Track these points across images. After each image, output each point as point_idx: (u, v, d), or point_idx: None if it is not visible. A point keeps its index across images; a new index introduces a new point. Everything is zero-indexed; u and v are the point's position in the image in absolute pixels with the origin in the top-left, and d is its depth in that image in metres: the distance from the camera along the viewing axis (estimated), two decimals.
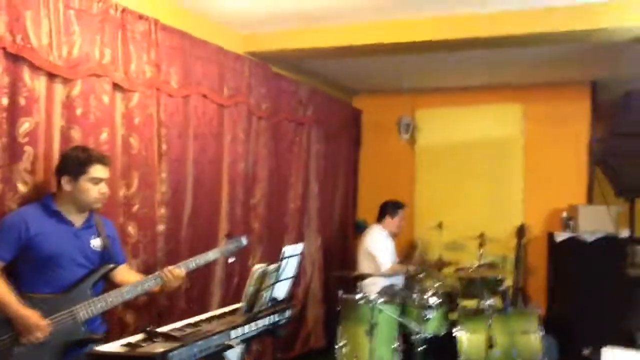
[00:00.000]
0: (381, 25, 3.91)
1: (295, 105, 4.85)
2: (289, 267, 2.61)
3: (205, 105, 3.70)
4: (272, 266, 2.41)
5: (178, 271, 2.55)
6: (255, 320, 2.42)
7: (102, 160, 2.49)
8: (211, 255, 2.74)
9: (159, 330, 2.19)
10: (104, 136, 2.87)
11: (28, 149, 2.53)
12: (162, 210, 3.31)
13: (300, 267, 4.83)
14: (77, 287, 2.43)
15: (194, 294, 3.63)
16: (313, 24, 4.00)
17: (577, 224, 4.88)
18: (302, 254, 2.70)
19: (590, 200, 5.32)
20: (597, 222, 4.80)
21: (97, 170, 2.46)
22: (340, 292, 4.04)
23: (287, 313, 2.71)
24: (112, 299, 2.47)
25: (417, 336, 3.84)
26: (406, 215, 5.05)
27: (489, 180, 5.65)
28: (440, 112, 5.87)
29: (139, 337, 2.18)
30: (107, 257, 2.58)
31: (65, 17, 2.68)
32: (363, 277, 4.24)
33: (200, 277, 3.67)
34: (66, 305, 2.37)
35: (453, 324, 4.15)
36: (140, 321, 3.02)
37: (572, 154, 5.37)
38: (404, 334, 4.03)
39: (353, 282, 4.64)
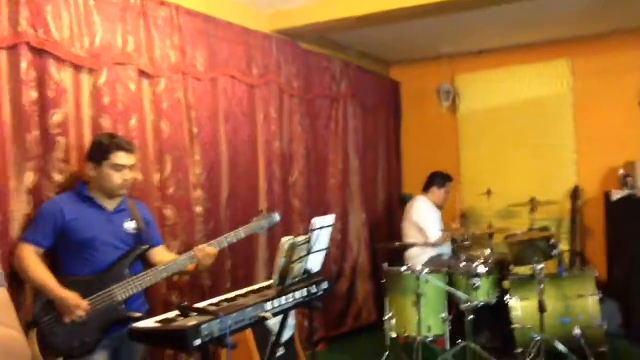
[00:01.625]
0: None
1: (328, 81, 4.79)
2: (321, 239, 2.57)
3: (235, 86, 3.71)
4: (301, 238, 2.39)
5: (210, 249, 2.58)
6: (288, 293, 2.41)
7: (125, 146, 2.52)
8: (242, 231, 2.74)
9: (195, 305, 2.21)
10: (133, 122, 2.93)
11: (60, 139, 2.61)
12: (199, 192, 3.35)
13: (345, 241, 4.84)
14: (113, 268, 2.51)
15: (240, 274, 3.68)
16: None
17: (635, 181, 4.58)
18: (333, 225, 2.65)
19: None
20: None
21: (119, 157, 2.50)
22: (385, 265, 3.99)
23: (324, 285, 2.68)
24: (149, 278, 2.53)
25: (467, 305, 3.74)
26: (452, 187, 4.92)
27: (538, 143, 5.38)
28: (481, 75, 5.64)
29: (174, 313, 2.21)
30: (142, 239, 2.64)
31: (85, 9, 2.74)
32: (405, 247, 4.16)
33: (244, 257, 3.72)
34: (104, 285, 2.44)
35: (505, 291, 4.02)
36: (184, 300, 3.08)
37: (625, 107, 5.02)
38: (454, 304, 3.95)
39: (399, 253, 4.59)
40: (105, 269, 2.50)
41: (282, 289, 2.39)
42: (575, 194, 5.06)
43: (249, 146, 3.82)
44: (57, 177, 2.61)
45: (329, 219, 2.60)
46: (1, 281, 0.89)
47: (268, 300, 2.32)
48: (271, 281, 2.41)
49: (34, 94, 2.52)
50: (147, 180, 2.98)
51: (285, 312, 2.51)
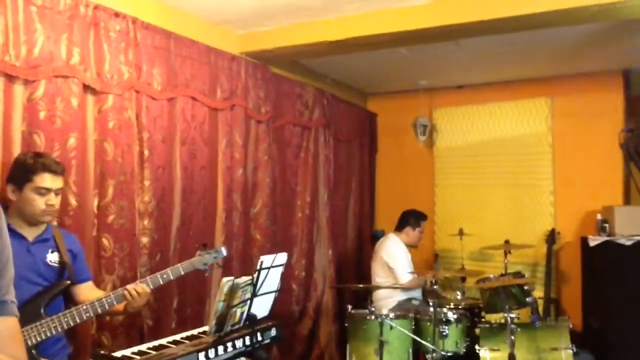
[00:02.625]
0: (384, 14, 3.60)
1: (300, 108, 4.58)
2: (270, 280, 2.31)
3: (195, 108, 3.46)
4: (244, 279, 2.12)
5: (142, 287, 2.28)
6: (227, 342, 2.12)
7: (52, 168, 2.23)
8: (181, 268, 2.45)
9: (114, 354, 1.92)
10: (72, 141, 2.65)
11: None
12: (146, 221, 3.06)
13: (309, 279, 4.56)
14: (27, 307, 2.18)
15: (187, 313, 3.36)
16: (313, 17, 3.72)
17: (613, 227, 4.41)
18: (285, 264, 2.39)
19: (627, 200, 4.83)
20: (635, 224, 4.32)
21: (44, 180, 2.21)
22: (349, 307, 3.72)
23: (271, 332, 2.40)
24: (68, 319, 2.21)
25: (434, 354, 3.47)
26: (426, 226, 4.71)
27: (515, 183, 5.21)
28: (460, 111, 5.48)
29: None
30: (66, 273, 2.34)
31: (26, 15, 2.49)
32: (370, 289, 3.90)
33: (194, 294, 3.41)
34: None
35: (476, 340, 3.76)
36: (118, 343, 2.76)
37: (604, 150, 4.89)
38: (421, 352, 3.68)
39: (367, 295, 4.32)
40: (18, 308, 2.18)
41: (219, 337, 2.10)
42: (551, 237, 4.87)
43: (208, 173, 3.55)
44: None
45: (280, 257, 2.35)
46: (14, 311, 0.86)
47: (202, 350, 2.03)
48: (205, 328, 2.12)
49: None
50: (83, 206, 2.68)
51: None
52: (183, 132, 3.36)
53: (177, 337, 2.17)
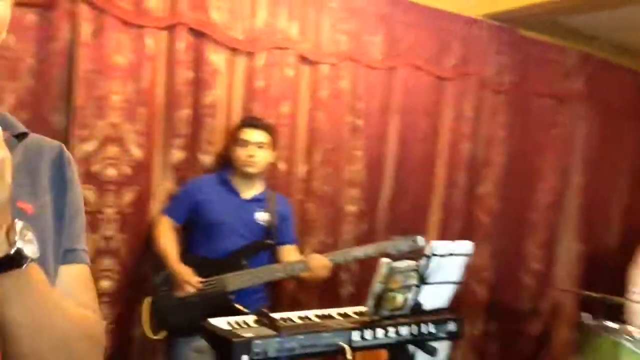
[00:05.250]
0: None
1: (554, 77, 3.93)
2: (447, 269, 2.05)
3: (418, 77, 3.29)
4: (406, 263, 1.93)
5: (323, 260, 2.33)
6: (388, 326, 1.98)
7: (254, 123, 2.47)
8: (371, 250, 2.40)
9: (274, 315, 1.99)
10: (285, 109, 2.81)
11: (209, 120, 2.65)
12: (353, 191, 3.08)
13: (547, 275, 3.98)
14: (232, 257, 2.45)
15: None
16: None
17: None
18: (470, 255, 2.09)
19: None
20: None
21: (246, 133, 2.47)
22: (584, 315, 3.11)
23: (449, 327, 2.16)
24: (262, 275, 2.41)
25: None
26: None
27: None
28: None
29: (253, 317, 2.03)
30: (272, 233, 2.53)
31: None
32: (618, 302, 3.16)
33: None
34: (219, 271, 2.42)
35: None
36: (311, 301, 2.88)
37: None
38: None
39: (621, 306, 3.54)
40: (225, 256, 2.46)
41: (378, 319, 1.98)
42: None
43: (427, 146, 3.36)
44: (202, 158, 2.66)
45: (461, 246, 2.07)
46: (84, 259, 0.85)
47: (357, 329, 1.95)
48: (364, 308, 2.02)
49: (188, 74, 2.60)
50: (291, 171, 2.84)
51: (374, 348, 2.07)
52: (401, 102, 3.24)
53: (333, 311, 2.13)
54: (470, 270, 3.54)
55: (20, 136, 0.81)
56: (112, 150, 2.44)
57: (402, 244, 2.41)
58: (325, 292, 2.96)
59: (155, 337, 2.45)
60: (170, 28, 2.54)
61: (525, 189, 3.88)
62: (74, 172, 0.87)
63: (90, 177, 2.40)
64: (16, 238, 0.61)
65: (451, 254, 2.04)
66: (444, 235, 3.44)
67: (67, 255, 0.82)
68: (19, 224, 0.63)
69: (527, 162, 3.87)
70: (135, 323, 2.53)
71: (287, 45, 2.80)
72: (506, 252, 3.75)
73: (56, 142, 0.87)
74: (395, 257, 2.37)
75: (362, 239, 3.05)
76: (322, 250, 2.89)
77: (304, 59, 2.88)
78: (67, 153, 0.87)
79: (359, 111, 3.06)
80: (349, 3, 2.98)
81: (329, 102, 2.94)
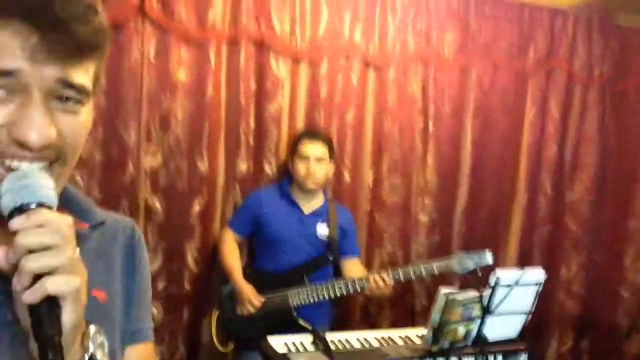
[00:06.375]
0: None
1: None
2: (515, 299, 1.88)
3: (496, 74, 3.06)
4: (465, 295, 1.78)
5: (382, 280, 2.23)
6: (451, 357, 1.86)
7: (311, 135, 2.40)
8: (436, 267, 2.26)
9: (335, 335, 1.95)
10: (349, 116, 2.72)
11: (273, 130, 2.62)
12: (426, 200, 2.93)
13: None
14: (294, 272, 2.42)
15: None
16: None
17: None
18: (541, 284, 1.90)
19: None
20: None
21: (305, 147, 2.41)
22: None
23: (519, 358, 1.99)
24: (323, 292, 2.36)
25: None
26: None
27: None
28: None
29: (311, 338, 1.99)
30: (333, 247, 2.47)
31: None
32: None
33: None
34: (282, 286, 2.39)
35: None
36: (382, 314, 2.80)
37: None
38: None
39: None
40: (287, 270, 2.43)
41: (438, 351, 1.86)
42: None
43: (507, 149, 3.12)
44: (267, 168, 2.65)
45: (532, 275, 1.89)
46: (150, 336, 0.88)
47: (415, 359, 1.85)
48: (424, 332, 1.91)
49: (252, 85, 2.58)
50: (356, 181, 2.75)
51: None
52: (477, 102, 3.03)
53: (396, 334, 2.03)
54: (559, 284, 3.29)
55: (98, 225, 0.80)
56: (178, 162, 2.48)
57: (467, 260, 2.25)
58: (398, 304, 2.86)
59: (223, 350, 2.49)
60: (233, 41, 2.52)
61: (623, 193, 3.49)
62: (144, 250, 0.87)
63: (156, 188, 2.46)
64: (89, 344, 0.63)
65: (516, 285, 1.87)
66: (526, 247, 3.20)
67: (134, 336, 0.83)
68: (92, 329, 0.64)
69: (625, 163, 3.48)
70: (204, 332, 2.58)
71: (351, 51, 2.70)
72: (601, 263, 3.42)
73: (128, 222, 0.87)
74: (459, 274, 2.24)
75: (435, 251, 2.91)
76: (392, 262, 2.80)
77: (369, 64, 2.77)
78: (139, 233, 0.87)
79: (429, 114, 2.90)
80: (418, 2, 2.81)
81: (396, 106, 2.81)
